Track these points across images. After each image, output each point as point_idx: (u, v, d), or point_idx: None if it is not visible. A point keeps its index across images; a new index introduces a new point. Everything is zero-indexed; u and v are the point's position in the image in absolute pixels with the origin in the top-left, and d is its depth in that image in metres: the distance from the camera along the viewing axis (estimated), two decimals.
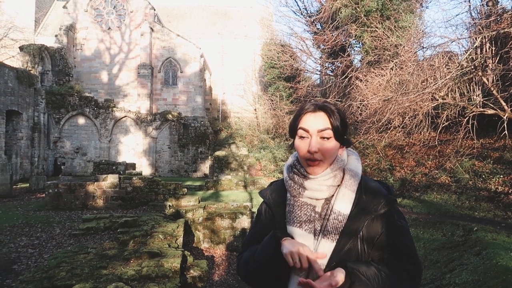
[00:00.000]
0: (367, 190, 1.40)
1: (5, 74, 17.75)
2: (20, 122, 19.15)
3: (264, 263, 1.39)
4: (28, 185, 15.78)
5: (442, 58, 12.69)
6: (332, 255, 1.32)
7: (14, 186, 14.87)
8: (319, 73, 26.70)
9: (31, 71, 20.43)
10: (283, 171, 1.57)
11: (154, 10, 27.86)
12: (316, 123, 1.36)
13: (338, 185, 1.40)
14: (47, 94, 21.19)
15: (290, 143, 1.48)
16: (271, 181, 1.66)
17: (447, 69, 12.35)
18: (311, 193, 1.38)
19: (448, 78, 11.96)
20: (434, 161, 14.02)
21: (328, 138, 1.35)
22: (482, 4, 13.66)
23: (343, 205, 1.35)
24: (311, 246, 1.34)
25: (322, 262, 1.30)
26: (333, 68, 23.75)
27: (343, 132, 1.39)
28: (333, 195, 1.39)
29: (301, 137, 1.38)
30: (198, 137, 23.07)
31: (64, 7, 27.40)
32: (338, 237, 1.32)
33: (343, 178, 1.40)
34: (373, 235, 1.35)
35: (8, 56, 27.39)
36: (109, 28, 27.50)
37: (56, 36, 26.42)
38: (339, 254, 1.32)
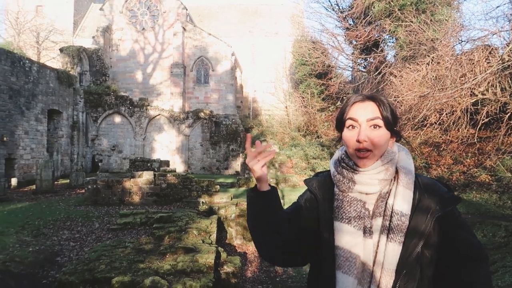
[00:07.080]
0: (427, 189, 1.34)
1: (47, 75, 18.58)
2: (61, 121, 20.02)
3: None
4: (68, 181, 16.49)
5: (482, 52, 12.16)
6: (400, 259, 1.26)
7: (56, 182, 15.55)
8: (351, 69, 26.22)
9: (71, 72, 21.28)
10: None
11: (186, 10, 28.29)
12: (365, 112, 1.31)
13: (391, 180, 1.34)
14: (85, 93, 22.02)
15: (337, 138, 1.44)
16: (317, 171, 1.58)
17: (487, 63, 11.84)
18: (361, 187, 1.32)
19: (489, 73, 11.46)
20: (473, 159, 13.48)
21: (378, 127, 1.30)
22: None
23: (404, 205, 1.29)
24: (360, 243, 1.29)
25: (391, 267, 1.26)
26: (365, 64, 23.28)
27: (394, 123, 1.34)
28: (387, 192, 1.33)
29: (350, 128, 1.33)
30: (229, 134, 23.28)
31: (101, 9, 28.39)
32: (404, 240, 1.27)
33: (397, 175, 1.34)
34: (438, 236, 1.29)
35: (49, 58, 28.70)
36: (143, 29, 28.20)
37: (93, 37, 27.44)
38: (408, 259, 1.26)
